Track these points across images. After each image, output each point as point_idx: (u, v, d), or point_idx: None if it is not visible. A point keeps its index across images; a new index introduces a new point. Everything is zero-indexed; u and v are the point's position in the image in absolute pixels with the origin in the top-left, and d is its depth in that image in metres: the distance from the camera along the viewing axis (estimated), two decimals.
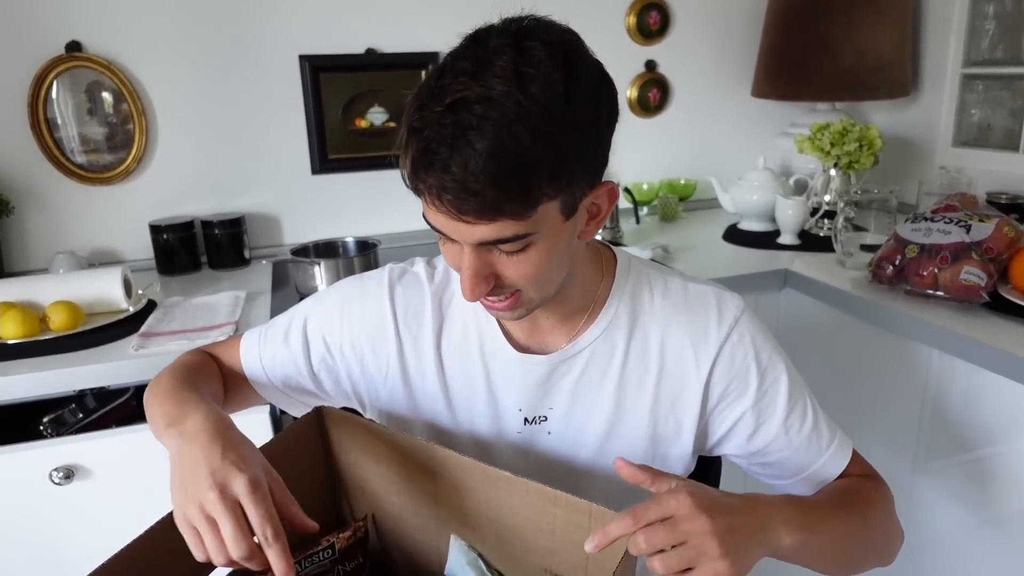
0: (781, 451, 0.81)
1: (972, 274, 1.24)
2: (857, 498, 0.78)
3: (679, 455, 0.82)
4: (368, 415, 0.89)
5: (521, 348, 0.81)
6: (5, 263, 1.63)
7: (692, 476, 0.93)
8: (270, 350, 0.87)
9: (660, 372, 0.80)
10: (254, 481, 0.60)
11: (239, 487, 0.60)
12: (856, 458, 0.83)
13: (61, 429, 1.35)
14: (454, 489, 0.75)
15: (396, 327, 0.83)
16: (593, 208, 0.72)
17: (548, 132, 0.61)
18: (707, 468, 1.01)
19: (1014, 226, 1.27)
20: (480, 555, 0.76)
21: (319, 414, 0.80)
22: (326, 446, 0.82)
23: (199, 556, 0.60)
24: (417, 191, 0.65)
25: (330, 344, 0.84)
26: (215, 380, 0.84)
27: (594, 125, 0.67)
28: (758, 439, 0.81)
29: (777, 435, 0.80)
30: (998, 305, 1.25)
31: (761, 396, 0.80)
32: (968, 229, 1.28)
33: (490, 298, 0.71)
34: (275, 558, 0.59)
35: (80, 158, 1.66)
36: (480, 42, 0.63)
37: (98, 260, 1.70)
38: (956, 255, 1.27)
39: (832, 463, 0.81)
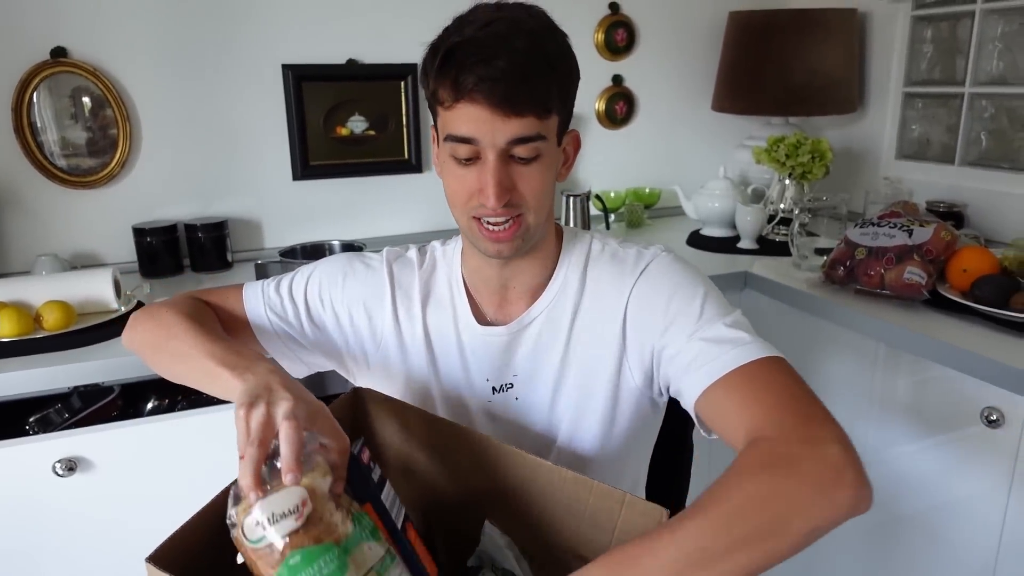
0: (687, 355, 0.78)
1: (914, 274, 1.37)
2: (713, 494, 0.61)
3: (630, 398, 0.87)
4: (357, 381, 0.96)
5: (489, 322, 0.91)
6: None
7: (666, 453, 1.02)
8: (274, 301, 0.94)
9: (593, 324, 0.87)
10: (293, 413, 0.64)
11: (281, 408, 0.65)
12: (766, 376, 0.72)
13: (47, 428, 1.37)
14: (487, 472, 0.79)
15: (393, 298, 0.92)
16: (566, 152, 0.86)
17: (561, 52, 0.78)
18: (672, 480, 1.09)
19: (950, 231, 1.40)
20: (512, 540, 0.80)
21: (356, 395, 0.86)
22: (356, 425, 0.87)
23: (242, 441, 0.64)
24: (457, 94, 0.74)
25: (328, 304, 0.93)
26: (221, 330, 0.89)
27: (578, 69, 0.82)
28: (671, 354, 0.79)
29: (686, 343, 0.78)
30: (937, 302, 1.37)
31: (673, 316, 0.80)
32: (910, 233, 1.40)
33: (499, 223, 0.80)
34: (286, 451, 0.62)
35: (62, 162, 1.68)
36: (484, 3, 0.79)
37: (80, 263, 1.71)
38: (900, 257, 1.39)
39: (723, 361, 0.73)
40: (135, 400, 1.44)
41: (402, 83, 1.89)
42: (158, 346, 0.87)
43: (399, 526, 0.71)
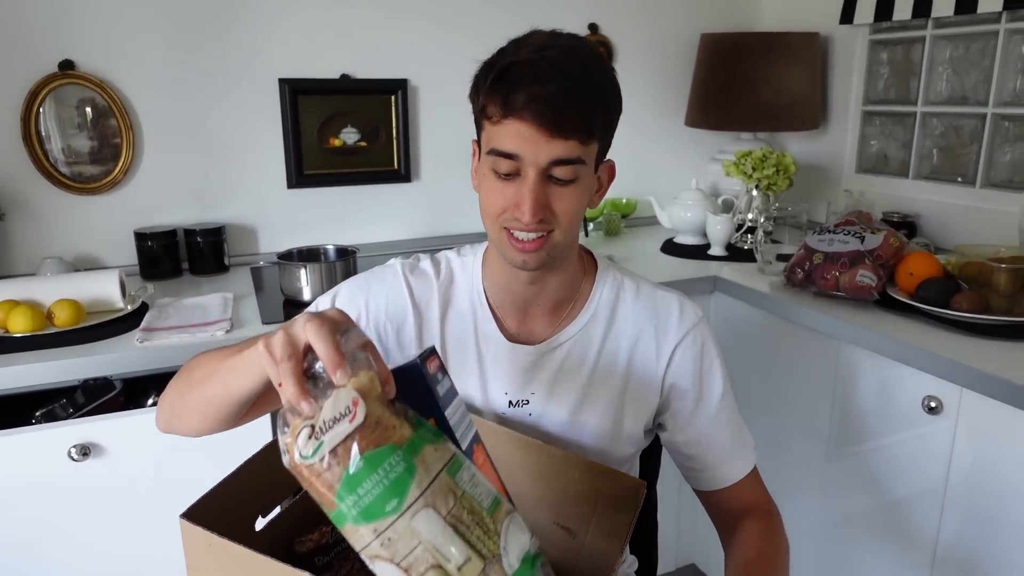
0: (700, 446, 0.96)
1: (866, 276, 1.49)
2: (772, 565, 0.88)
3: (636, 432, 0.97)
4: None
5: (511, 337, 0.95)
6: None
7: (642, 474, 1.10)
8: None
9: (629, 364, 0.95)
10: (314, 315, 0.61)
11: (299, 322, 0.60)
12: (756, 479, 0.97)
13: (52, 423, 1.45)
14: None
15: (415, 309, 0.95)
16: (600, 179, 0.90)
17: (609, 83, 0.82)
18: (646, 462, 1.17)
19: (898, 237, 1.53)
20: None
21: None
22: None
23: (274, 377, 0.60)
24: (507, 110, 0.78)
25: (359, 320, 0.94)
26: None
27: (621, 102, 0.86)
28: (686, 432, 0.96)
29: (701, 433, 0.95)
30: (886, 302, 1.49)
31: (698, 397, 0.95)
32: (862, 239, 1.52)
33: (528, 236, 0.83)
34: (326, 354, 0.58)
35: (67, 169, 1.76)
36: (540, 29, 0.83)
37: (83, 266, 1.79)
38: (853, 261, 1.51)
39: (738, 468, 0.96)
40: (136, 396, 1.52)
41: (392, 97, 1.99)
42: (184, 390, 0.82)
43: (463, 447, 0.66)
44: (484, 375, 0.95)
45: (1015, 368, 1.20)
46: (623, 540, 0.83)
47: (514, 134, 0.79)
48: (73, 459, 1.20)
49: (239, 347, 0.74)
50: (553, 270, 0.91)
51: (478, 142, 0.88)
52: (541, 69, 0.77)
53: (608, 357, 0.95)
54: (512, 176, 0.82)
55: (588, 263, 0.99)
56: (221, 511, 0.72)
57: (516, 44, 0.81)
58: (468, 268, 0.98)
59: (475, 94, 0.84)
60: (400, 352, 0.96)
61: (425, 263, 0.99)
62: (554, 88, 0.76)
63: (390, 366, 0.91)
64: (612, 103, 0.83)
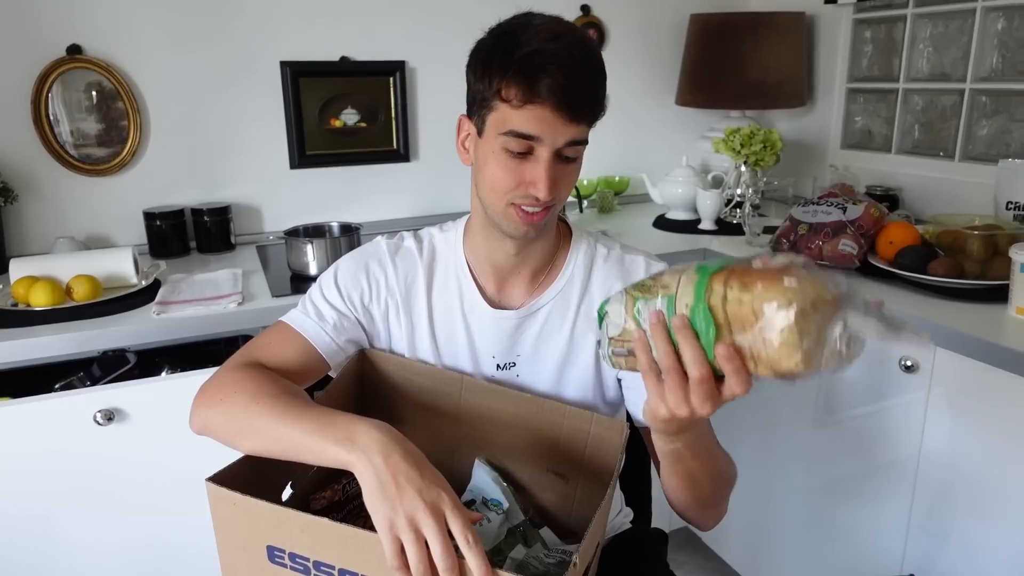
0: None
1: (847, 245, 1.56)
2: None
3: (616, 385, 1.03)
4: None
5: (493, 304, 1.01)
6: (6, 247, 1.76)
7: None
8: (330, 320, 0.97)
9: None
10: (455, 500, 0.68)
11: (445, 503, 0.67)
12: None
13: None
14: (474, 409, 0.94)
15: (403, 286, 1.00)
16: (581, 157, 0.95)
17: (604, 70, 0.88)
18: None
19: (879, 207, 1.60)
20: (499, 475, 0.94)
21: (362, 355, 0.99)
22: (364, 383, 1.00)
23: (394, 564, 0.65)
24: (530, 96, 0.82)
25: (360, 303, 1.00)
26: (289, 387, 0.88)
27: None
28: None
29: None
30: (867, 269, 1.57)
31: None
32: (844, 210, 1.60)
33: (536, 209, 0.89)
34: (476, 562, 0.65)
35: (77, 151, 1.81)
36: (537, 13, 0.88)
37: (94, 245, 1.84)
38: (835, 231, 1.58)
39: None
40: (150, 368, 1.58)
41: (391, 78, 2.04)
42: (240, 431, 0.83)
43: None
44: (472, 342, 1.01)
45: (984, 327, 1.28)
46: (611, 478, 0.90)
47: (536, 118, 0.83)
48: (99, 423, 1.26)
49: (307, 412, 0.78)
50: (538, 239, 0.97)
51: (478, 119, 0.90)
52: (562, 58, 0.82)
53: (585, 318, 1.01)
54: (525, 155, 0.86)
55: (563, 231, 1.05)
56: (251, 474, 0.77)
57: (524, 29, 0.84)
58: (451, 242, 1.03)
59: (487, 74, 0.86)
60: (398, 323, 1.01)
61: (409, 241, 1.04)
62: (577, 78, 0.83)
63: (390, 331, 1.00)
64: (605, 90, 0.89)
